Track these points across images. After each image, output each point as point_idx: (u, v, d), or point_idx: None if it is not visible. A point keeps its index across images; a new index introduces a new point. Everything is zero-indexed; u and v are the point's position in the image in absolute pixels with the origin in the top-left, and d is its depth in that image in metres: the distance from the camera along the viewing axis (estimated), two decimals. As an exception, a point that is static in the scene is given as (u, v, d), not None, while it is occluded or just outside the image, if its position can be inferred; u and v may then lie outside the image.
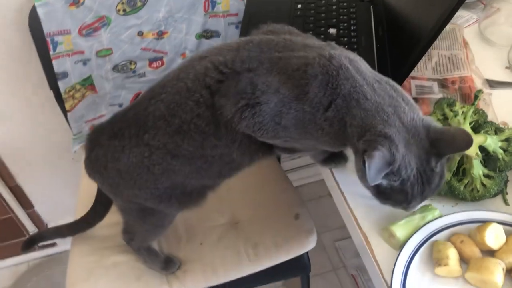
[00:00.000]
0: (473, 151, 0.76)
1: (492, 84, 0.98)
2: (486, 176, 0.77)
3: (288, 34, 0.81)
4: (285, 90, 0.70)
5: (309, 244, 1.13)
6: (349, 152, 0.87)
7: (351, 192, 0.82)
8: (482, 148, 0.77)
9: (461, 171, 0.79)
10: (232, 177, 0.89)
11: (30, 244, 1.16)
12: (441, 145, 0.67)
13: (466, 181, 0.78)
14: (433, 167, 0.67)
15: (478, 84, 0.96)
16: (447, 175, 0.79)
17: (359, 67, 0.71)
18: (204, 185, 0.91)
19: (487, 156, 0.78)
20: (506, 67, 1.02)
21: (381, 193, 0.70)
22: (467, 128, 0.78)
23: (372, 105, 0.67)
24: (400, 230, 0.74)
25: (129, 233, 1.06)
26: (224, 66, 0.73)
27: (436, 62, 0.98)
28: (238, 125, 0.73)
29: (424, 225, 0.75)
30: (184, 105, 0.76)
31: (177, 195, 0.90)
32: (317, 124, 0.70)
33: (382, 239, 0.76)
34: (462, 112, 0.81)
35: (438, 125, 0.70)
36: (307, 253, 1.17)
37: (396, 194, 0.68)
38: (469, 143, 0.66)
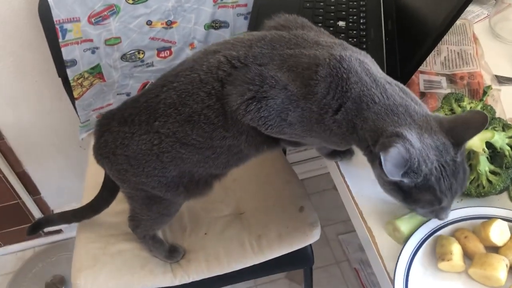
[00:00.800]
0: (480, 147, 0.76)
1: (501, 80, 0.97)
2: (492, 172, 0.77)
3: (301, 28, 0.81)
4: (294, 88, 0.70)
5: (312, 237, 1.13)
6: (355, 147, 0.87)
7: (356, 186, 0.82)
8: (489, 145, 0.77)
9: (468, 167, 0.78)
10: (239, 167, 0.90)
11: (35, 228, 1.17)
12: (457, 132, 0.66)
13: (472, 177, 0.77)
14: (454, 157, 0.66)
15: (487, 80, 0.95)
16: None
17: (369, 69, 0.71)
18: (211, 174, 0.92)
19: (493, 153, 0.78)
20: (516, 64, 1.02)
21: (408, 197, 0.67)
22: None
23: (382, 107, 0.68)
24: (404, 224, 0.74)
25: (135, 221, 1.07)
26: (237, 61, 0.74)
27: (445, 57, 0.97)
28: (243, 117, 0.73)
29: (429, 219, 0.75)
30: (195, 95, 0.76)
31: (184, 183, 0.91)
32: (325, 125, 0.70)
33: (386, 233, 0.77)
34: (470, 107, 0.81)
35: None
36: (310, 245, 1.17)
37: (424, 194, 0.66)
38: (484, 121, 0.65)
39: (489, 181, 0.77)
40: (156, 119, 0.80)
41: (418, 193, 0.66)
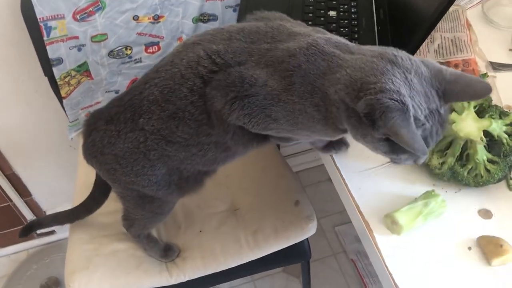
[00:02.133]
0: (477, 135, 0.75)
1: (496, 66, 0.96)
2: (490, 161, 0.76)
3: (279, 20, 0.81)
4: (273, 83, 0.70)
5: (309, 231, 1.12)
6: (349, 137, 0.86)
7: (352, 179, 0.81)
8: (486, 133, 0.76)
9: (465, 156, 0.77)
10: (228, 164, 0.88)
11: (28, 231, 1.15)
12: (454, 89, 0.63)
13: (469, 166, 0.76)
14: (438, 107, 0.63)
15: (482, 67, 0.94)
16: (450, 161, 0.77)
17: (337, 42, 0.70)
18: (200, 171, 0.90)
19: (491, 141, 0.77)
20: (510, 49, 1.00)
21: (397, 148, 0.64)
22: (471, 113, 0.77)
23: (355, 62, 0.65)
24: (403, 217, 0.73)
25: (129, 220, 1.05)
26: (216, 56, 0.73)
27: (438, 45, 0.96)
28: (228, 117, 0.73)
29: (426, 211, 0.74)
30: (178, 91, 0.75)
31: (175, 181, 0.90)
32: (307, 113, 0.69)
33: (384, 226, 0.75)
34: (466, 96, 0.79)
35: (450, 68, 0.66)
36: (307, 239, 1.16)
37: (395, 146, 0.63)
38: (487, 92, 0.64)
39: (487, 170, 0.76)
40: (141, 116, 0.79)
41: (394, 145, 0.64)
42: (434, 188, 0.79)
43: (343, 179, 0.81)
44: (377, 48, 0.68)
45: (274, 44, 0.73)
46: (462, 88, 0.64)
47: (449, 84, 0.64)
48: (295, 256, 1.19)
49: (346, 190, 0.80)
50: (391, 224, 0.74)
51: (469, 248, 0.73)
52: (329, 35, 0.74)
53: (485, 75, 0.83)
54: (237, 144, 0.80)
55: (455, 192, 0.79)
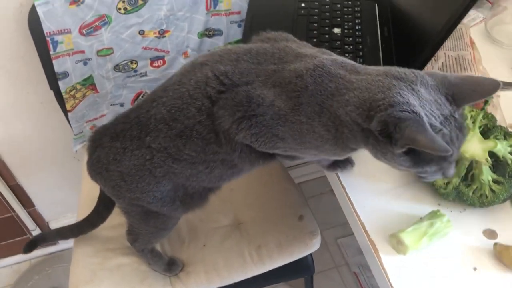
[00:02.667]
0: (482, 156, 0.75)
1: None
2: (495, 181, 0.76)
3: (285, 40, 0.82)
4: (280, 103, 0.70)
5: (313, 246, 1.12)
6: (355, 156, 0.86)
7: (358, 198, 0.81)
8: (491, 154, 0.76)
9: (470, 176, 0.78)
10: (233, 180, 0.89)
11: (32, 246, 1.15)
12: (462, 91, 0.63)
13: (474, 186, 0.77)
14: (452, 112, 0.63)
15: (485, 85, 0.94)
16: (455, 181, 0.78)
17: (343, 63, 0.71)
18: (205, 187, 0.91)
19: (496, 162, 0.77)
20: (513, 68, 1.01)
21: (420, 160, 0.63)
22: (476, 134, 0.77)
23: (361, 83, 0.66)
24: (408, 237, 0.73)
25: (133, 235, 1.06)
26: (224, 77, 0.74)
27: (442, 63, 0.96)
28: (236, 136, 0.73)
29: (431, 231, 0.74)
30: (186, 110, 0.76)
31: (180, 197, 0.90)
32: (315, 132, 0.70)
33: (390, 246, 0.76)
34: (471, 116, 0.80)
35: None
36: (311, 254, 1.16)
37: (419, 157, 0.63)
38: (496, 88, 0.63)
39: (492, 191, 0.76)
40: (148, 134, 0.80)
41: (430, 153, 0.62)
42: (439, 207, 0.79)
43: (349, 198, 0.81)
44: (382, 68, 0.69)
45: (281, 65, 0.74)
46: (470, 88, 0.64)
47: (456, 87, 0.64)
48: (299, 271, 1.19)
49: (351, 209, 0.80)
50: (397, 244, 0.75)
51: (474, 269, 0.73)
52: (334, 56, 0.75)
53: (490, 96, 0.83)
54: (243, 162, 0.80)
55: (460, 212, 0.79)
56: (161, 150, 0.80)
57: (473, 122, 0.79)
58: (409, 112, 0.60)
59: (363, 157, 0.86)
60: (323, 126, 0.69)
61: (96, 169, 0.88)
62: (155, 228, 0.99)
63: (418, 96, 0.62)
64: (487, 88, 0.64)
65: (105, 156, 0.85)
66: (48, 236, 1.19)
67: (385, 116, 0.61)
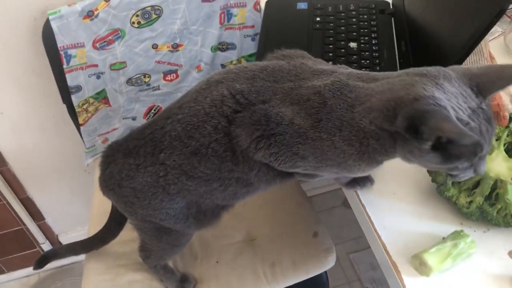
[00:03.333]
0: (508, 176, 0.73)
1: (520, 100, 0.94)
2: (520, 201, 0.74)
3: (301, 57, 0.81)
4: (300, 120, 0.69)
5: (328, 264, 1.10)
6: (374, 173, 0.85)
7: (378, 216, 0.79)
8: (516, 173, 0.74)
9: (494, 195, 0.75)
10: (247, 199, 0.87)
11: (43, 262, 1.14)
12: (486, 81, 0.62)
13: (499, 206, 0.75)
14: (479, 104, 0.61)
15: (506, 101, 0.92)
16: (479, 200, 0.76)
17: (358, 74, 0.70)
18: (218, 205, 0.89)
19: (521, 181, 0.75)
20: (534, 83, 0.99)
21: (449, 156, 0.61)
22: (501, 152, 0.75)
23: (382, 87, 0.65)
24: (432, 258, 0.71)
25: (146, 251, 1.04)
26: (240, 96, 0.73)
27: (462, 78, 0.94)
28: (254, 155, 0.72)
29: (455, 252, 0.72)
30: (201, 128, 0.75)
31: (193, 214, 0.89)
32: (337, 148, 0.68)
33: (412, 267, 0.73)
34: (495, 133, 0.78)
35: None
36: (325, 271, 1.14)
37: (466, 146, 0.60)
38: None
39: (518, 210, 0.74)
40: (162, 151, 0.78)
41: (460, 146, 0.60)
42: (462, 227, 0.77)
43: (369, 217, 0.79)
44: (401, 71, 0.68)
45: (297, 82, 0.72)
46: (494, 76, 0.63)
47: (480, 78, 0.63)
48: (313, 288, 1.17)
49: (372, 228, 0.78)
50: (420, 265, 0.72)
51: (501, 292, 0.71)
52: (350, 69, 0.74)
53: None
54: (260, 181, 0.79)
55: (484, 231, 0.77)
56: (176, 167, 0.78)
57: (498, 140, 0.77)
58: (435, 105, 0.59)
59: (383, 174, 0.85)
60: (344, 141, 0.67)
61: (109, 185, 0.87)
62: (168, 245, 0.98)
63: (443, 90, 0.61)
64: (511, 74, 0.63)
65: (118, 172, 0.84)
66: (59, 252, 1.18)
67: (411, 111, 0.59)
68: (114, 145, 0.88)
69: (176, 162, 0.78)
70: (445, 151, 0.61)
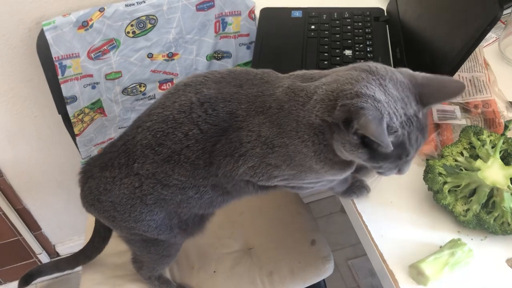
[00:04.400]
0: (504, 184, 0.73)
1: (516, 106, 0.94)
2: (517, 209, 0.74)
3: None
4: (265, 131, 0.70)
5: (326, 272, 1.10)
6: (370, 182, 0.84)
7: (374, 225, 0.79)
8: (512, 180, 0.74)
9: (491, 203, 0.75)
10: (225, 207, 0.87)
11: (28, 279, 1.13)
12: (428, 92, 0.64)
13: (496, 214, 0.74)
14: (416, 112, 0.63)
15: (502, 107, 0.92)
16: (475, 208, 0.75)
17: (313, 73, 0.72)
18: (197, 214, 0.89)
19: (518, 188, 0.75)
20: (529, 88, 0.99)
21: (377, 154, 0.64)
22: (497, 160, 0.75)
23: (330, 79, 0.67)
24: (429, 267, 0.70)
25: (138, 262, 1.04)
26: (209, 105, 0.73)
27: (457, 85, 0.94)
28: (236, 174, 0.74)
29: (453, 260, 0.72)
30: (171, 135, 0.75)
31: (176, 224, 0.88)
32: (300, 152, 0.69)
33: (409, 276, 0.73)
34: (490, 140, 0.78)
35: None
36: (323, 279, 1.13)
37: (394, 148, 0.62)
38: (461, 90, 0.64)
39: (515, 218, 0.74)
40: (135, 161, 0.78)
41: (374, 151, 0.64)
42: (459, 235, 0.77)
43: (366, 226, 0.79)
44: (347, 69, 0.69)
45: (261, 87, 0.73)
46: (436, 89, 0.65)
47: (422, 88, 0.64)
48: (311, 296, 1.16)
49: (368, 237, 0.78)
50: (417, 274, 0.72)
51: (499, 301, 0.70)
52: (304, 71, 0.75)
53: (510, 121, 0.81)
54: (239, 192, 0.80)
55: (481, 240, 0.77)
56: (150, 177, 0.78)
57: (493, 147, 0.77)
58: (371, 105, 0.61)
59: (378, 183, 0.84)
60: (302, 142, 0.68)
61: (89, 200, 0.87)
62: (158, 255, 0.97)
63: (385, 91, 0.62)
64: (452, 90, 0.65)
65: (96, 187, 0.84)
66: (45, 269, 1.17)
67: (349, 105, 0.61)
68: (90, 160, 0.88)
69: (150, 171, 0.78)
70: (373, 151, 0.64)
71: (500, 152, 0.77)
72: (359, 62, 0.72)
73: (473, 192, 0.76)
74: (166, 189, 0.79)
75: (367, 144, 0.63)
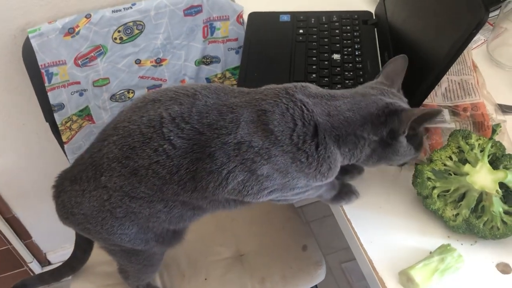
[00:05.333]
0: (493, 188, 0.72)
1: (505, 109, 0.94)
2: (506, 213, 0.74)
3: None
4: (259, 141, 0.69)
5: (318, 277, 1.09)
6: (360, 187, 0.84)
7: (364, 231, 0.78)
8: (501, 184, 0.74)
9: (480, 208, 0.75)
10: (196, 221, 0.86)
11: None
12: (392, 80, 0.78)
13: (485, 218, 0.74)
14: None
15: (490, 110, 0.92)
16: (465, 212, 0.75)
17: (308, 90, 0.73)
18: (168, 229, 0.88)
19: (506, 192, 0.75)
20: (518, 90, 0.99)
21: (418, 144, 0.74)
22: (486, 164, 0.75)
23: (349, 105, 0.71)
24: (419, 274, 0.70)
25: (123, 272, 1.04)
26: (181, 120, 0.71)
27: (446, 88, 0.94)
28: (224, 191, 0.71)
29: (443, 267, 0.71)
30: (139, 149, 0.73)
31: (152, 238, 0.88)
32: (307, 157, 0.69)
33: (399, 283, 0.72)
34: (479, 144, 0.77)
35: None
36: (316, 285, 1.12)
37: (417, 139, 0.74)
38: (405, 62, 0.79)
39: (504, 222, 0.73)
40: (102, 174, 0.77)
41: (416, 140, 0.74)
42: (449, 240, 0.76)
43: (355, 232, 0.78)
44: (358, 89, 0.76)
45: (244, 98, 0.72)
46: (397, 78, 0.78)
47: (389, 84, 0.77)
48: (304, 302, 1.15)
49: (358, 244, 0.77)
50: (407, 281, 0.71)
51: (489, 306, 0.70)
52: (303, 84, 0.75)
53: (498, 125, 0.81)
54: (214, 207, 0.79)
55: (471, 244, 0.76)
56: (117, 189, 0.77)
57: (482, 151, 0.76)
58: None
59: (367, 188, 0.84)
60: (304, 154, 0.69)
61: (63, 214, 0.87)
62: (139, 265, 0.96)
63: (391, 98, 0.73)
64: (402, 66, 0.78)
65: (68, 200, 0.83)
66: (29, 283, 1.16)
67: (386, 114, 0.70)
68: (62, 173, 0.88)
69: (117, 184, 0.76)
70: (414, 139, 0.73)
71: (488, 156, 0.76)
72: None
73: (463, 196, 0.76)
74: (134, 202, 0.78)
75: (409, 139, 0.72)
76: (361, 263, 0.78)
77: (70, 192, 0.82)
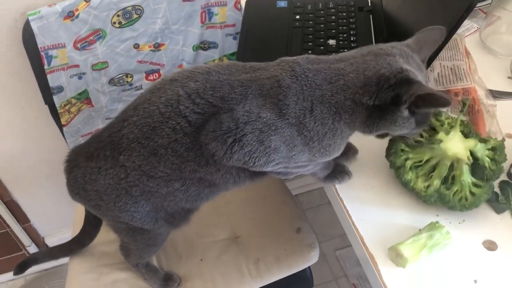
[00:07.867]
0: (464, 154, 0.75)
1: (496, 94, 0.96)
2: (474, 185, 0.77)
3: None
4: (267, 113, 0.70)
5: (311, 259, 1.11)
6: (353, 168, 0.86)
7: (355, 210, 0.80)
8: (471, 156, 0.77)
9: (450, 178, 0.77)
10: (211, 200, 0.88)
11: (23, 267, 1.14)
12: (422, 48, 0.74)
13: (455, 188, 0.76)
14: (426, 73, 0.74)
15: (482, 95, 0.94)
16: (436, 183, 0.78)
17: (319, 58, 0.74)
18: (183, 208, 0.90)
19: (474, 165, 0.77)
20: (509, 77, 1.01)
21: (421, 120, 0.72)
22: (458, 132, 0.79)
23: (354, 65, 0.70)
24: (407, 249, 0.72)
25: (125, 249, 1.05)
26: (196, 96, 0.73)
27: (438, 73, 0.96)
28: (229, 160, 0.73)
29: (431, 243, 0.73)
30: (158, 129, 0.75)
31: (162, 217, 0.89)
32: (308, 130, 0.70)
33: (389, 258, 0.75)
34: (448, 123, 0.81)
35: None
36: (309, 267, 1.15)
37: (421, 116, 0.71)
38: (442, 32, 0.74)
39: (472, 193, 0.76)
40: (121, 153, 0.79)
41: (420, 115, 0.71)
42: (438, 218, 0.78)
43: (347, 210, 0.80)
44: (363, 49, 0.73)
45: (254, 74, 0.74)
46: (425, 43, 0.74)
47: (417, 50, 0.73)
48: (297, 284, 1.18)
49: (349, 221, 0.79)
50: (396, 256, 0.74)
51: (475, 281, 0.72)
52: (306, 55, 0.76)
53: (467, 99, 0.84)
54: (226, 182, 0.80)
55: (459, 223, 0.78)
56: (136, 168, 0.79)
57: (452, 127, 0.80)
58: (413, 73, 0.68)
59: (361, 169, 0.86)
60: (317, 121, 0.70)
61: (74, 189, 0.88)
62: (143, 244, 0.98)
63: (409, 64, 0.69)
64: (436, 36, 0.75)
65: (82, 176, 0.84)
66: (39, 257, 1.18)
67: (397, 79, 0.66)
68: (76, 149, 0.89)
69: (136, 163, 0.78)
70: (417, 117, 0.70)
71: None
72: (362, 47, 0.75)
73: (434, 168, 0.79)
74: (152, 181, 0.80)
75: (413, 113, 0.69)
76: (353, 240, 0.80)
77: (84, 168, 0.83)
